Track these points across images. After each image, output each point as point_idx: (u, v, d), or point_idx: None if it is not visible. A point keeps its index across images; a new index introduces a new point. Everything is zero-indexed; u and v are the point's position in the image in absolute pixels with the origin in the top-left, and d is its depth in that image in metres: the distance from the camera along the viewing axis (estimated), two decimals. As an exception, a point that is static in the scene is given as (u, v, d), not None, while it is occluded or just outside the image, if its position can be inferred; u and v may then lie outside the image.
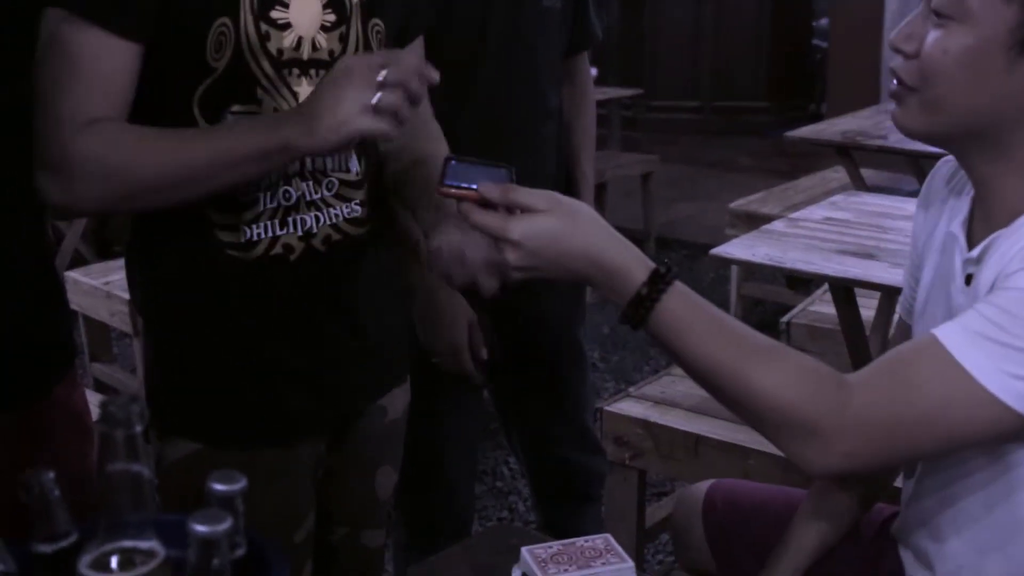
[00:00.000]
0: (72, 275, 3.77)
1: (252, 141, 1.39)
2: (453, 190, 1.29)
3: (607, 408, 2.68)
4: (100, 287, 3.64)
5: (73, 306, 3.18)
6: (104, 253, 4.81)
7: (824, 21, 9.03)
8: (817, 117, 8.48)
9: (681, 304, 1.25)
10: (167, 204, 1.45)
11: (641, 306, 1.24)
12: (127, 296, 3.44)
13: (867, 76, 7.36)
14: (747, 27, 9.05)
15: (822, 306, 3.47)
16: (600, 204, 6.01)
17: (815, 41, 9.35)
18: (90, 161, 1.39)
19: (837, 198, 3.26)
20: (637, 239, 6.06)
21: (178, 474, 1.57)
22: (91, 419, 1.82)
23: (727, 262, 3.04)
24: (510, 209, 1.26)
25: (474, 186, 1.28)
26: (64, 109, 1.39)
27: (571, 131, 2.25)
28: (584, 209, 1.29)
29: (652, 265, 1.27)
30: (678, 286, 1.25)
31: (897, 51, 1.31)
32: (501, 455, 3.59)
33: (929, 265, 1.44)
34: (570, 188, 2.25)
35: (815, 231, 2.89)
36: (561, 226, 1.26)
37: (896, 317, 1.60)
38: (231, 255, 1.51)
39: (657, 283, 1.24)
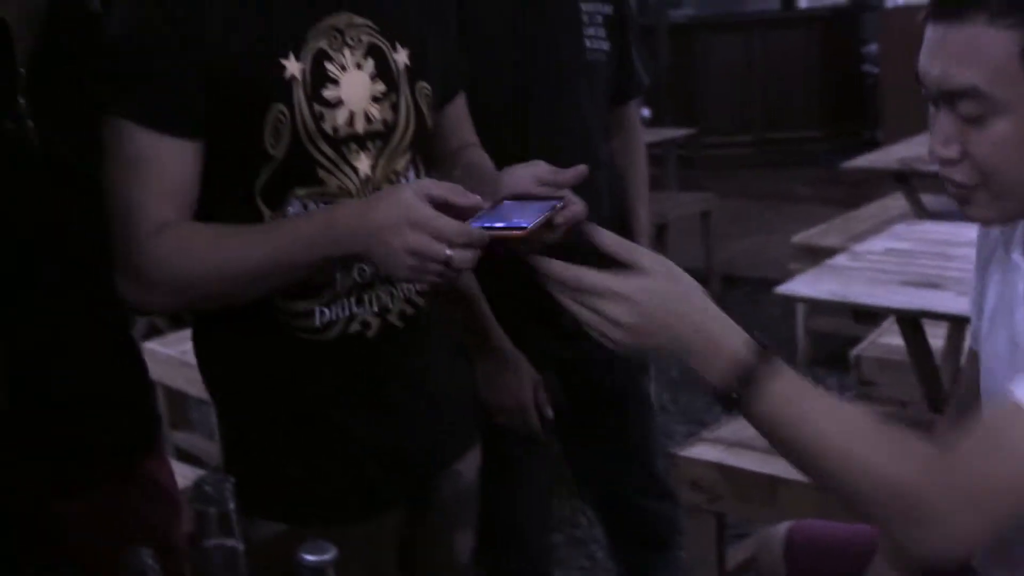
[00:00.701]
0: (149, 345, 3.85)
1: (308, 246, 1.41)
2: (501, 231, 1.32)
3: (681, 453, 2.69)
4: (176, 355, 3.72)
5: (151, 376, 3.24)
6: (178, 322, 4.90)
7: (873, 46, 9.01)
8: (872, 143, 8.45)
9: (786, 382, 1.20)
10: (238, 303, 1.49)
11: (747, 383, 1.20)
12: (201, 363, 3.52)
13: (920, 99, 7.26)
14: (796, 57, 9.06)
15: (891, 337, 3.46)
16: (661, 245, 6.03)
17: (865, 67, 9.31)
18: (161, 270, 1.43)
19: (898, 228, 3.26)
20: (700, 278, 6.02)
21: (265, 555, 1.58)
22: (176, 489, 1.87)
23: (792, 299, 3.04)
24: (596, 261, 1.22)
25: (524, 223, 1.30)
26: (133, 215, 1.43)
27: (624, 179, 2.28)
28: (686, 276, 1.27)
29: (753, 341, 1.23)
30: (779, 362, 1.21)
31: (940, 160, 1.30)
32: (578, 503, 3.60)
33: (992, 292, 1.45)
34: (625, 234, 2.27)
35: (878, 263, 2.90)
36: (672, 288, 1.23)
37: (966, 345, 1.60)
38: (304, 338, 1.54)
39: (762, 360, 1.20)
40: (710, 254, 6.03)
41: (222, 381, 1.64)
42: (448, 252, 1.31)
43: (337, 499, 1.61)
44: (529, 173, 1.49)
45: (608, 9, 2.12)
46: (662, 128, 7.02)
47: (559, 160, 1.64)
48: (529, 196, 1.46)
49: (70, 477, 1.57)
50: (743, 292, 5.91)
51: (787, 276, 4.73)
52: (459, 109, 1.75)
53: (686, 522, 2.74)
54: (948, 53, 1.25)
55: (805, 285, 2.78)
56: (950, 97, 1.27)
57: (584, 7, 2.08)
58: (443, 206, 1.34)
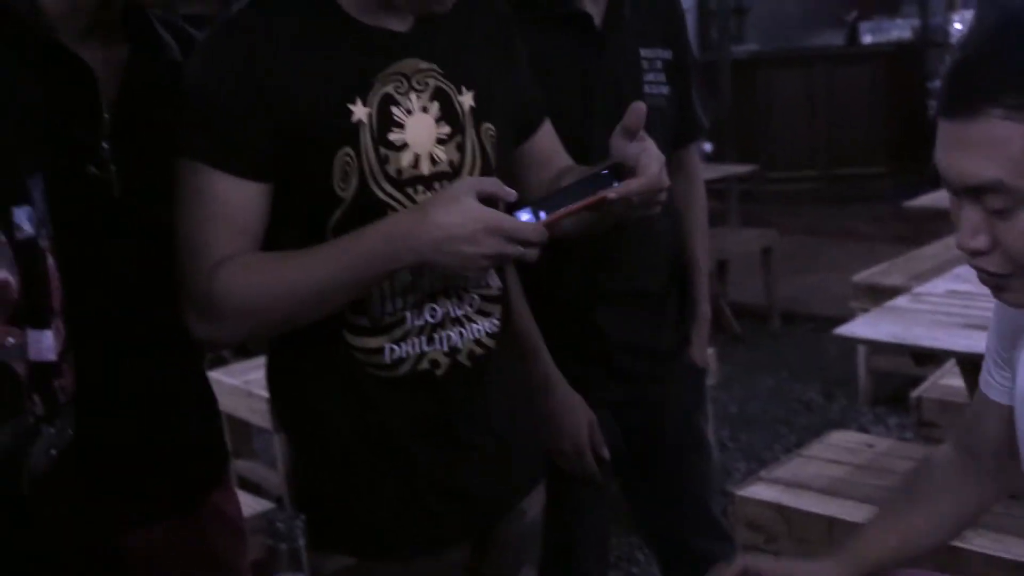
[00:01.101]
0: (214, 375, 3.92)
1: (368, 262, 1.46)
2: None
3: (739, 493, 2.70)
4: (241, 386, 3.79)
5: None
6: (242, 351, 4.98)
7: (938, 82, 8.95)
8: (938, 179, 8.36)
9: None
10: (305, 324, 1.53)
11: None
12: (267, 394, 3.58)
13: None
14: (861, 93, 9.04)
15: (952, 379, 3.44)
16: (722, 281, 6.04)
17: (930, 102, 9.27)
18: (227, 301, 1.47)
19: (960, 270, 3.24)
20: (761, 315, 6.07)
21: None
22: (241, 519, 1.92)
23: (852, 341, 3.03)
24: None
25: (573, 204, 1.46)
26: (201, 251, 1.48)
27: (683, 220, 2.30)
28: None
29: None
30: None
31: (971, 252, 1.27)
32: (636, 540, 3.61)
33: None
34: (684, 276, 2.29)
35: (939, 305, 2.89)
36: None
37: (978, 392, 1.60)
38: (374, 374, 1.57)
39: None
40: (771, 291, 6.03)
41: (295, 415, 1.68)
42: (522, 251, 1.42)
43: (403, 534, 1.64)
44: (616, 144, 1.56)
45: (668, 54, 2.15)
46: (724, 164, 7.01)
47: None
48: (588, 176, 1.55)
49: (141, 511, 1.62)
50: (805, 329, 5.90)
51: (848, 314, 4.75)
52: (546, 140, 1.77)
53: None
54: (968, 149, 1.21)
55: (865, 327, 2.78)
56: (975, 192, 1.23)
57: (644, 52, 2.11)
58: (487, 199, 1.44)
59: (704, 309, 2.29)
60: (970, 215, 1.24)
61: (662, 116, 2.13)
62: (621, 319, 2.12)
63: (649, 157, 1.53)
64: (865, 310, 4.67)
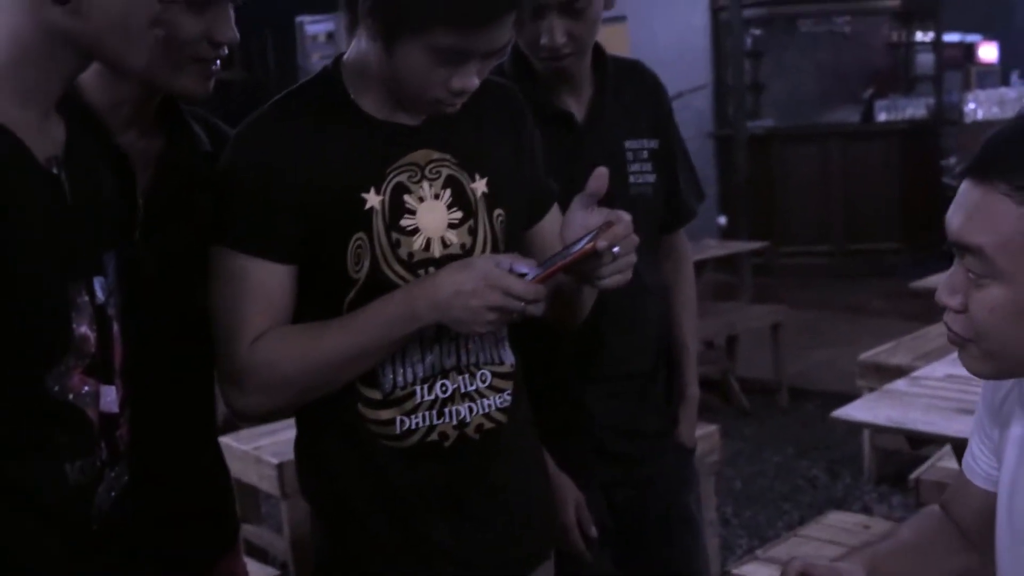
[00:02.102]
0: (224, 440, 3.96)
1: (389, 327, 1.58)
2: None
3: (735, 571, 2.73)
4: (250, 452, 3.83)
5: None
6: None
7: (952, 159, 9.04)
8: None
9: None
10: (332, 390, 1.64)
11: None
12: (275, 460, 3.63)
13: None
14: (875, 169, 9.12)
15: (951, 461, 3.46)
16: (731, 356, 6.08)
17: (945, 179, 9.34)
18: (261, 374, 1.60)
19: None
20: (770, 389, 6.11)
21: None
22: None
23: (850, 429, 3.07)
24: None
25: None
26: (234, 330, 1.61)
27: (672, 302, 2.35)
28: None
29: None
30: None
31: (944, 306, 1.35)
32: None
33: (1010, 456, 1.47)
34: (672, 358, 2.34)
35: (937, 390, 2.93)
36: None
37: (959, 473, 1.63)
38: (386, 445, 1.66)
39: None
40: (779, 366, 6.06)
41: (316, 484, 1.77)
42: (523, 306, 1.53)
43: None
44: (575, 217, 1.62)
45: (654, 144, 2.22)
46: (737, 241, 7.08)
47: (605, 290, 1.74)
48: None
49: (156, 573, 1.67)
50: (813, 405, 5.92)
51: (855, 391, 4.78)
52: (555, 223, 1.83)
53: (738, 640, 2.77)
54: (968, 210, 1.31)
55: (863, 410, 2.83)
56: (960, 250, 1.33)
57: (628, 144, 2.18)
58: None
59: (692, 390, 2.34)
60: (955, 274, 1.34)
61: (648, 204, 2.20)
62: (608, 401, 2.18)
63: (616, 212, 1.60)
64: (871, 388, 4.70)
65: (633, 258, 1.62)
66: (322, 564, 1.79)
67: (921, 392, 2.92)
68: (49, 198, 1.30)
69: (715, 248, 6.17)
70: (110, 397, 1.37)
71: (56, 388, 1.29)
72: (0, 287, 1.22)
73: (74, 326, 1.30)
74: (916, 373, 3.14)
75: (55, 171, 1.31)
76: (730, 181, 8.97)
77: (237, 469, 3.89)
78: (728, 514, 4.57)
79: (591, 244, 1.54)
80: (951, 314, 1.35)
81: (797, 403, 6.02)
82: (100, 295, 1.35)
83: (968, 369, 1.39)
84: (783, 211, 9.09)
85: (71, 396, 1.31)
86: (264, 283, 1.61)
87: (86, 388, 1.33)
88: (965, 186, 1.33)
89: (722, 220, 8.93)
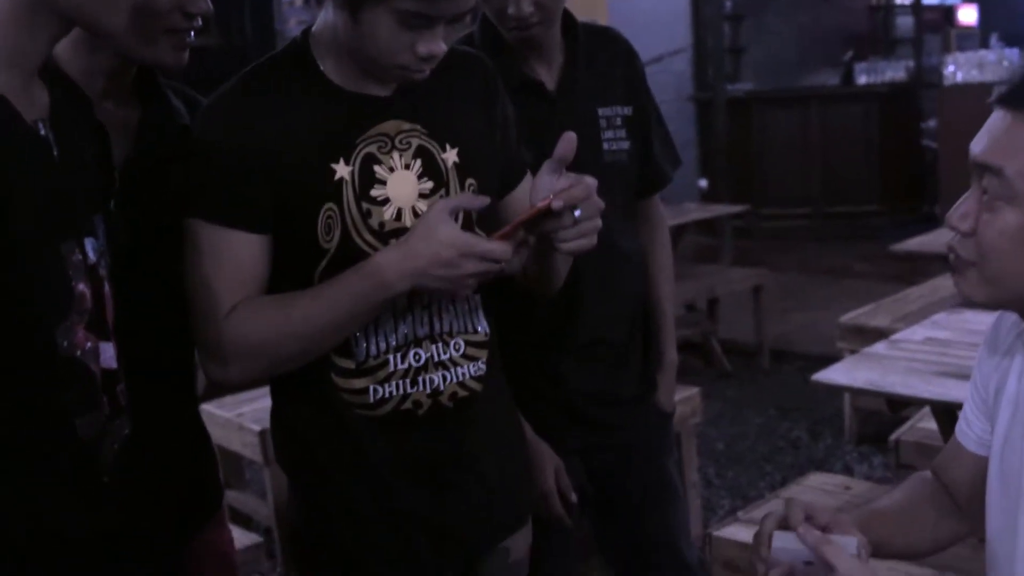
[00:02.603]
0: (206, 408, 3.97)
1: (363, 300, 1.59)
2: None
3: (715, 533, 2.75)
4: (233, 419, 3.83)
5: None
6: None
7: (932, 122, 9.06)
8: (931, 218, 8.46)
9: None
10: (310, 360, 1.65)
11: None
12: (257, 427, 3.64)
13: (980, 177, 7.34)
14: (855, 132, 9.13)
15: (930, 422, 3.49)
16: (713, 318, 6.10)
17: (925, 142, 9.36)
18: (237, 344, 1.61)
19: (939, 317, 3.31)
20: (751, 352, 6.13)
21: None
22: (233, 552, 1.99)
23: (830, 390, 3.09)
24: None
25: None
26: (210, 301, 1.62)
27: (648, 268, 2.35)
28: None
29: None
30: None
31: (953, 229, 1.40)
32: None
33: (1004, 416, 1.50)
34: (649, 324, 2.35)
35: (916, 353, 2.95)
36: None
37: (953, 438, 1.65)
38: (360, 414, 1.68)
39: None
40: (760, 329, 6.09)
41: (291, 453, 1.79)
42: (500, 266, 1.56)
43: (386, 567, 1.73)
44: (543, 181, 1.61)
45: (627, 111, 2.21)
46: (717, 204, 7.09)
47: (582, 258, 1.74)
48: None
49: (137, 545, 1.68)
50: (794, 367, 5.95)
51: (836, 353, 4.81)
52: (527, 193, 1.86)
53: (720, 601, 2.80)
54: (994, 134, 1.37)
55: (842, 374, 2.85)
56: (980, 169, 1.37)
57: (602, 111, 2.17)
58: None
59: (670, 356, 2.35)
60: (968, 198, 1.39)
61: (623, 170, 2.20)
62: (583, 368, 2.19)
63: (580, 176, 1.60)
64: (851, 351, 4.73)
65: (598, 223, 1.62)
66: (297, 533, 1.81)
67: (900, 355, 2.95)
68: (39, 157, 1.33)
69: (695, 211, 6.17)
70: (109, 353, 1.42)
71: (65, 344, 1.34)
72: (2, 244, 1.26)
73: (73, 283, 1.35)
74: (895, 336, 3.16)
75: (43, 132, 1.34)
76: (710, 144, 8.97)
77: (220, 436, 3.90)
78: (710, 475, 4.60)
79: (545, 202, 1.55)
80: (958, 238, 1.40)
81: (778, 365, 6.05)
82: (92, 255, 1.39)
83: (963, 294, 1.43)
84: (763, 174, 9.10)
85: (78, 352, 1.36)
86: (237, 254, 1.62)
87: (88, 344, 1.38)
88: (996, 114, 1.38)
89: (703, 183, 8.93)
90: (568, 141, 1.62)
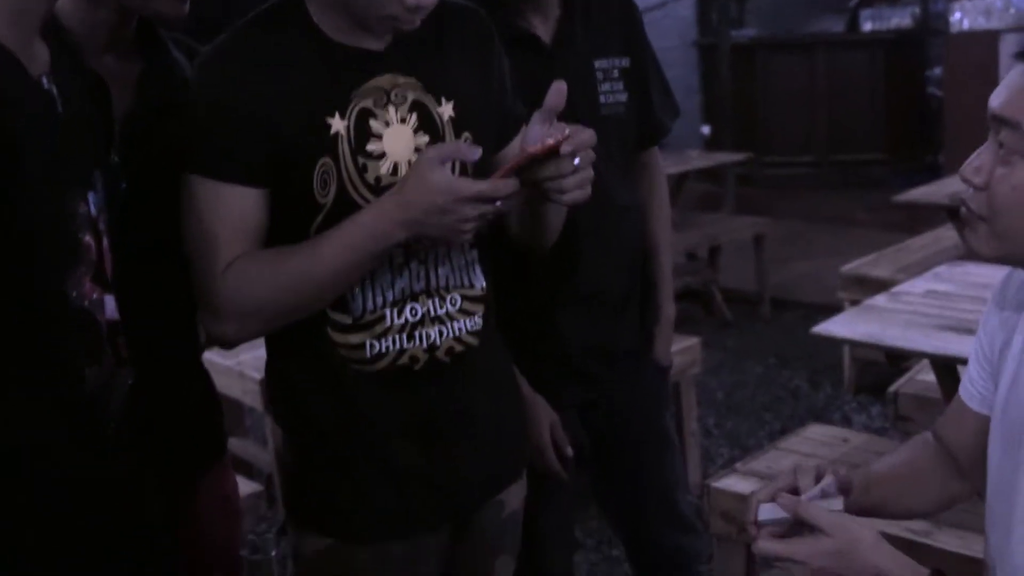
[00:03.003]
0: (208, 356, 3.97)
1: (358, 251, 1.58)
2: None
3: (713, 484, 2.77)
4: (233, 367, 3.85)
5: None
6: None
7: (938, 70, 8.99)
8: (934, 167, 8.43)
9: None
10: (307, 315, 1.64)
11: None
12: (258, 375, 3.65)
13: (984, 124, 7.28)
14: (860, 80, 9.04)
15: (929, 374, 3.50)
16: (714, 266, 6.10)
17: (930, 90, 9.29)
18: (234, 300, 1.60)
19: (940, 269, 3.30)
20: (752, 301, 6.14)
21: (314, 567, 1.75)
22: (238, 499, 2.01)
23: (830, 340, 3.08)
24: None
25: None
26: (208, 257, 1.61)
27: (647, 221, 2.34)
28: (866, 533, 1.42)
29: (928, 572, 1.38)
30: None
31: (966, 182, 1.40)
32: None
33: (1008, 372, 1.50)
34: (648, 277, 2.35)
35: (916, 305, 2.95)
36: (844, 547, 1.40)
37: (956, 398, 1.66)
38: (356, 369, 1.67)
39: None
40: (762, 277, 6.08)
41: (285, 406, 1.79)
42: (497, 205, 1.54)
43: (380, 520, 1.74)
44: (534, 130, 1.60)
45: (625, 62, 2.19)
46: (720, 152, 7.05)
47: (578, 211, 1.74)
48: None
49: (143, 492, 1.69)
50: (795, 316, 5.96)
51: (837, 303, 4.81)
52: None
53: (716, 551, 2.82)
54: (1013, 89, 1.36)
55: (842, 326, 2.85)
56: (997, 122, 1.37)
57: (599, 64, 2.15)
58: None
59: (668, 309, 2.35)
60: (983, 152, 1.39)
61: (621, 123, 2.18)
62: (580, 322, 2.18)
63: (578, 126, 1.58)
64: (852, 301, 4.74)
65: (590, 173, 1.60)
66: (293, 486, 1.81)
67: (901, 308, 2.94)
68: (45, 111, 1.35)
69: (698, 159, 6.14)
70: (111, 305, 1.45)
71: (74, 294, 1.37)
72: (11, 194, 1.28)
73: (80, 235, 1.39)
74: (896, 289, 3.16)
75: (46, 86, 1.36)
76: (714, 91, 8.91)
77: (221, 384, 3.86)
78: (710, 425, 4.62)
79: (554, 141, 1.53)
80: (970, 192, 1.40)
81: (779, 314, 6.06)
82: (93, 209, 1.42)
83: (972, 248, 1.43)
84: (767, 121, 9.03)
85: (86, 303, 1.39)
86: (234, 208, 1.61)
87: (95, 295, 1.41)
88: (1016, 68, 1.38)
89: (705, 130, 8.89)
90: (558, 92, 1.60)
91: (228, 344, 1.71)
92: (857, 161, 8.96)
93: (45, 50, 1.40)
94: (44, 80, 1.36)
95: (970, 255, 1.46)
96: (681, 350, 3.66)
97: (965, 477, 1.66)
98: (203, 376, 1.91)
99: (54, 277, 1.35)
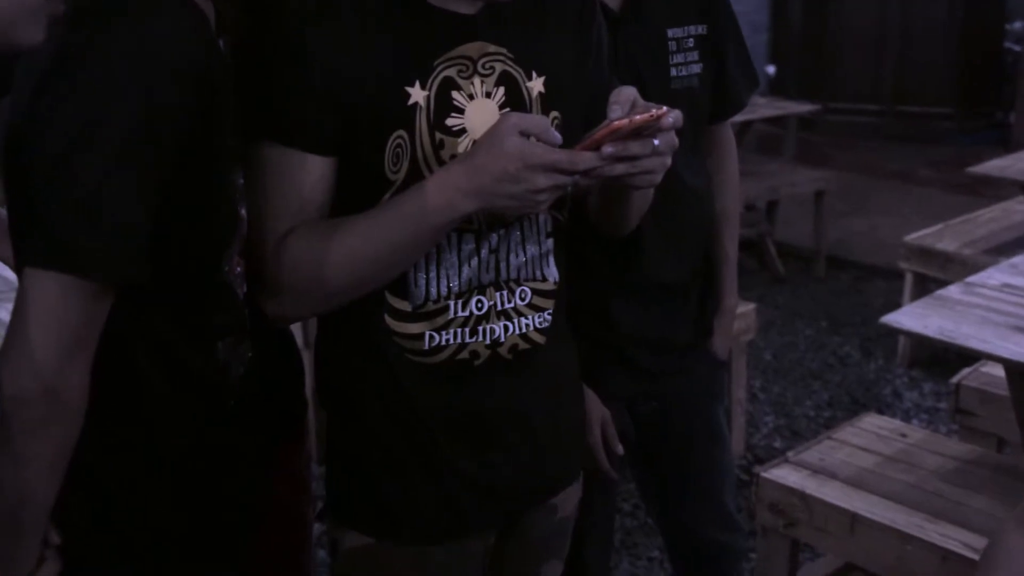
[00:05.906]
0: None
1: (423, 220, 1.44)
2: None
3: (763, 474, 2.66)
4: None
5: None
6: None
7: (1018, 24, 8.67)
8: (1004, 125, 8.17)
9: None
10: (365, 292, 1.52)
11: None
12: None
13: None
14: (935, 28, 8.72)
15: (996, 367, 3.36)
16: (771, 219, 5.94)
17: (1008, 44, 8.97)
18: (288, 276, 1.47)
19: (1018, 260, 3.13)
20: (807, 257, 5.97)
21: (352, 562, 1.66)
22: (309, 475, 1.91)
23: (898, 332, 2.95)
24: None
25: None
26: (263, 229, 1.48)
27: (713, 206, 2.21)
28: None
29: None
30: None
31: None
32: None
33: None
34: (710, 266, 2.22)
35: (992, 300, 2.79)
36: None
37: None
38: (412, 360, 1.56)
39: None
40: (819, 235, 5.91)
41: (333, 394, 1.67)
42: (574, 178, 1.39)
43: (426, 521, 1.64)
44: (615, 110, 1.44)
45: (701, 29, 2.03)
46: (785, 100, 6.83)
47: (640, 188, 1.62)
48: None
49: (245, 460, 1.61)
50: (850, 276, 5.83)
51: (895, 269, 4.66)
52: None
53: (760, 542, 2.73)
54: None
55: (913, 319, 2.69)
56: None
57: (672, 32, 2.00)
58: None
59: (729, 302, 2.24)
60: None
61: (694, 97, 2.03)
62: (636, 312, 2.07)
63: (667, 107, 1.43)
64: (914, 272, 4.60)
65: (668, 161, 1.46)
66: (338, 481, 1.69)
67: (975, 302, 2.79)
68: (225, 72, 1.38)
69: (763, 107, 5.91)
70: (243, 278, 1.48)
71: (226, 268, 1.40)
72: (201, 165, 1.29)
73: (238, 208, 1.41)
74: (971, 279, 2.99)
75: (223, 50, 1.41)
76: (782, 30, 8.64)
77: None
78: (755, 388, 4.50)
79: (658, 112, 1.38)
80: None
81: (833, 272, 5.90)
82: (241, 179, 1.45)
83: None
84: (834, 65, 8.75)
85: (232, 278, 1.42)
86: (296, 176, 1.48)
87: (239, 269, 1.43)
88: None
89: (771, 70, 8.64)
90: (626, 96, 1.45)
91: (285, 322, 1.60)
92: (924, 114, 8.67)
93: (212, 7, 1.37)
94: (221, 43, 1.36)
95: None
96: (737, 315, 3.53)
97: None
98: (293, 345, 1.79)
99: (215, 252, 1.36)
